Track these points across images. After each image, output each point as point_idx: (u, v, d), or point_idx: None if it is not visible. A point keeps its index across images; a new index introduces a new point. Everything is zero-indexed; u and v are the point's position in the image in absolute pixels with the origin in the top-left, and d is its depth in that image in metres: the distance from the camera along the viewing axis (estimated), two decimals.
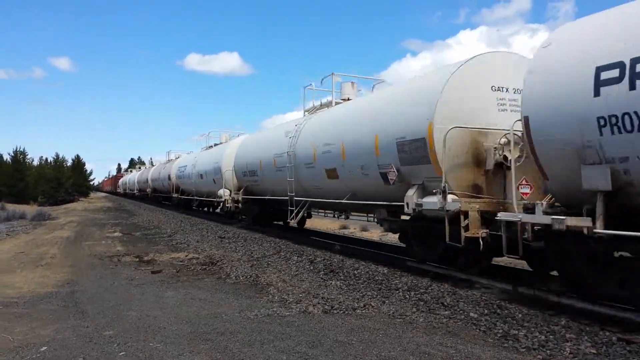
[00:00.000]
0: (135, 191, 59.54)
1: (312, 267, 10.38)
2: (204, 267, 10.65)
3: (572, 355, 5.07)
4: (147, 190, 47.31)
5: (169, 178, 34.81)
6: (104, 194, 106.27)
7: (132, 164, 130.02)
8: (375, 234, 18.70)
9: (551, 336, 5.61)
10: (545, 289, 7.55)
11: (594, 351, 5.17)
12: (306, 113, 16.13)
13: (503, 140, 8.27)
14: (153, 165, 57.61)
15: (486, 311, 6.72)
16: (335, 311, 6.84)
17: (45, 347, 5.36)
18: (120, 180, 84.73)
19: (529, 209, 6.79)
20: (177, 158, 37.56)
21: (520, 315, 6.45)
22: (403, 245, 11.17)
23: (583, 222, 6.08)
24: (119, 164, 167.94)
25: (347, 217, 15.36)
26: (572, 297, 6.96)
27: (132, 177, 66.18)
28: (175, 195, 33.32)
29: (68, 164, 78.65)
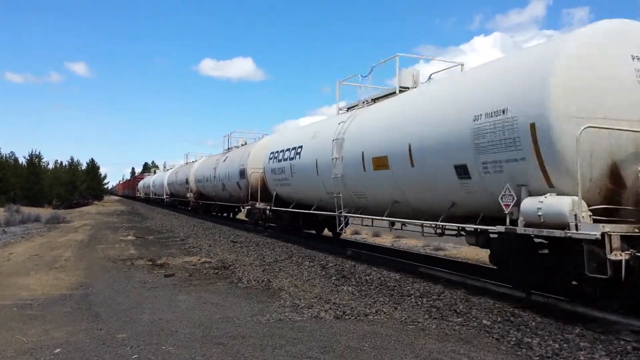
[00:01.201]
0: (164, 196, 44.32)
1: (323, 273, 10.38)
2: (216, 271, 10.69)
3: None
4: (187, 195, 32.73)
5: (243, 175, 20.51)
6: (117, 198, 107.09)
7: (146, 168, 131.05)
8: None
9: (565, 345, 5.55)
10: None
11: None
12: None
13: None
14: (169, 168, 48.11)
15: (499, 319, 6.66)
16: (347, 317, 6.83)
17: (59, 349, 5.40)
18: (141, 183, 68.34)
19: None
20: (242, 145, 24.04)
21: (533, 323, 6.39)
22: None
23: None
24: (133, 168, 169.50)
25: None
26: (587, 305, 6.88)
27: (159, 178, 49.73)
28: (259, 205, 18.48)
29: (83, 168, 79.83)
